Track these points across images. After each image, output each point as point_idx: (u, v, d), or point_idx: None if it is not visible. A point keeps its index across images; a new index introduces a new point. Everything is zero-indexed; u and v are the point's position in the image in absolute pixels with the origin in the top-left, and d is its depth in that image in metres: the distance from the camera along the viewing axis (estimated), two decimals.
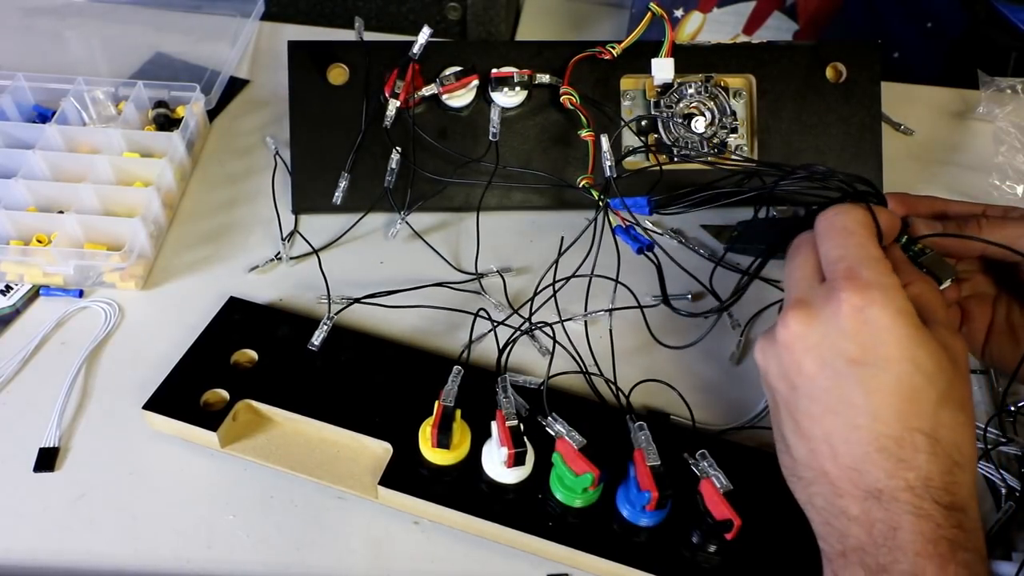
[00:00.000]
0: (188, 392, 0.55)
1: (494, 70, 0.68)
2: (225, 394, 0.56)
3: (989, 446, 0.57)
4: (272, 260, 0.67)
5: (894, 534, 0.39)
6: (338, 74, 0.69)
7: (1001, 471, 0.57)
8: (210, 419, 0.54)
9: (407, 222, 0.69)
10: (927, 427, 0.40)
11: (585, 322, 0.63)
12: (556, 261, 0.62)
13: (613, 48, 0.69)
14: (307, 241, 0.68)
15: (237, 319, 0.61)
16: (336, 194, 0.67)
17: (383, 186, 0.68)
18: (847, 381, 0.41)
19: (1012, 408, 0.60)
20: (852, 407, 0.41)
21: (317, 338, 0.58)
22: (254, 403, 0.56)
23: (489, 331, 0.62)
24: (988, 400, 0.62)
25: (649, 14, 0.66)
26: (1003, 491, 0.56)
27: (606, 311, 0.63)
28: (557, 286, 0.62)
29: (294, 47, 0.69)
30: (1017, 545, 0.54)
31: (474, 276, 0.66)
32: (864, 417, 0.40)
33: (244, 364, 0.58)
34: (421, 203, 0.69)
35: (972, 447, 0.41)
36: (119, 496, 0.53)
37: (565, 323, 0.63)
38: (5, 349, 0.60)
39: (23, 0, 0.90)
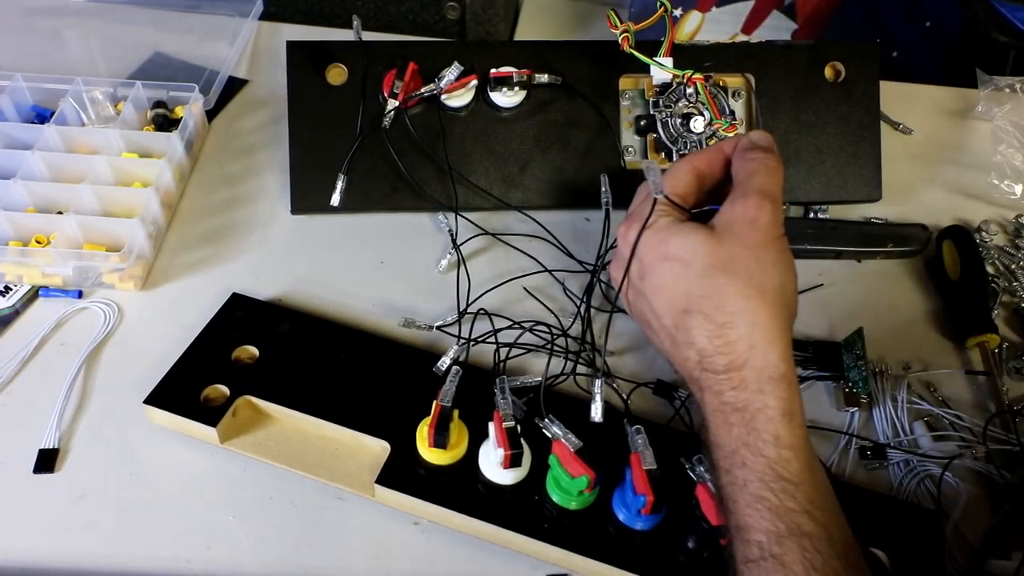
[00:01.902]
0: (189, 387, 0.56)
1: (493, 70, 0.68)
2: (225, 390, 0.56)
3: (989, 445, 0.58)
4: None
5: (702, 408, 0.47)
6: (337, 74, 0.69)
7: (1001, 471, 0.57)
8: (210, 414, 0.54)
9: (461, 217, 0.69)
10: (687, 304, 0.47)
11: (583, 325, 0.63)
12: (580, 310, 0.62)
13: (629, 30, 0.68)
14: None
15: (239, 315, 0.62)
16: (333, 196, 0.66)
17: (382, 185, 0.68)
18: (642, 295, 0.51)
19: (1015, 408, 0.61)
20: (651, 315, 0.50)
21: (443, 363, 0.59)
22: (254, 399, 0.56)
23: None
24: (991, 400, 0.62)
25: (662, 8, 0.66)
26: (1005, 490, 0.56)
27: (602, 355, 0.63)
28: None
29: (293, 47, 0.69)
30: (1015, 544, 0.54)
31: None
32: (655, 319, 0.50)
33: (245, 360, 0.59)
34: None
35: (741, 301, 0.45)
36: (119, 497, 0.53)
37: (571, 328, 0.63)
38: (4, 350, 0.60)
39: (23, 0, 0.90)
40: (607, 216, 0.65)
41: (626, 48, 0.67)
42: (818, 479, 0.43)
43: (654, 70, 0.69)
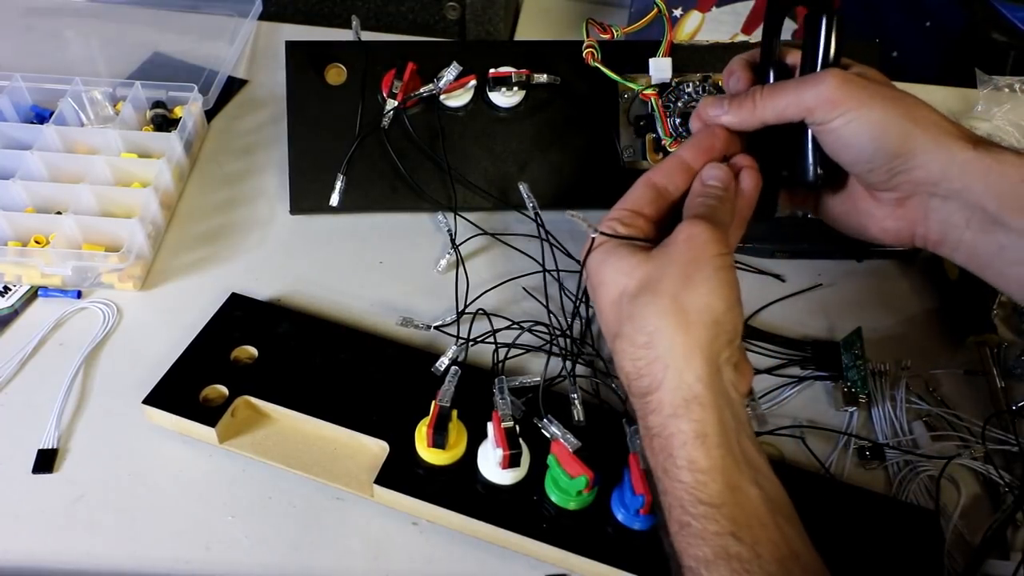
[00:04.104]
0: (188, 387, 0.56)
1: (492, 70, 0.68)
2: (224, 390, 0.56)
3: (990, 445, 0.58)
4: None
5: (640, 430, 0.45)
6: (336, 74, 0.69)
7: (1000, 471, 0.57)
8: (209, 415, 0.54)
9: (460, 216, 0.69)
10: (617, 328, 0.45)
11: (582, 323, 0.63)
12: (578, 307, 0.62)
13: (616, 29, 0.68)
14: None
15: (238, 315, 0.62)
16: (332, 196, 0.66)
17: (382, 185, 0.68)
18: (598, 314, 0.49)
19: (1014, 408, 0.61)
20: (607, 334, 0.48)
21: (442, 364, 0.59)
22: (253, 399, 0.56)
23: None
24: (987, 400, 0.62)
25: (655, 9, 0.66)
26: (1004, 491, 0.56)
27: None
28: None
29: (292, 47, 0.69)
30: (1014, 544, 0.54)
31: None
32: (610, 341, 0.47)
33: (244, 360, 0.59)
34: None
35: (659, 319, 0.44)
36: (118, 498, 0.53)
37: (569, 329, 0.63)
38: (3, 350, 0.60)
39: (22, 0, 0.90)
40: (538, 221, 0.66)
41: (591, 63, 0.67)
42: (743, 497, 0.41)
43: (653, 69, 0.69)
